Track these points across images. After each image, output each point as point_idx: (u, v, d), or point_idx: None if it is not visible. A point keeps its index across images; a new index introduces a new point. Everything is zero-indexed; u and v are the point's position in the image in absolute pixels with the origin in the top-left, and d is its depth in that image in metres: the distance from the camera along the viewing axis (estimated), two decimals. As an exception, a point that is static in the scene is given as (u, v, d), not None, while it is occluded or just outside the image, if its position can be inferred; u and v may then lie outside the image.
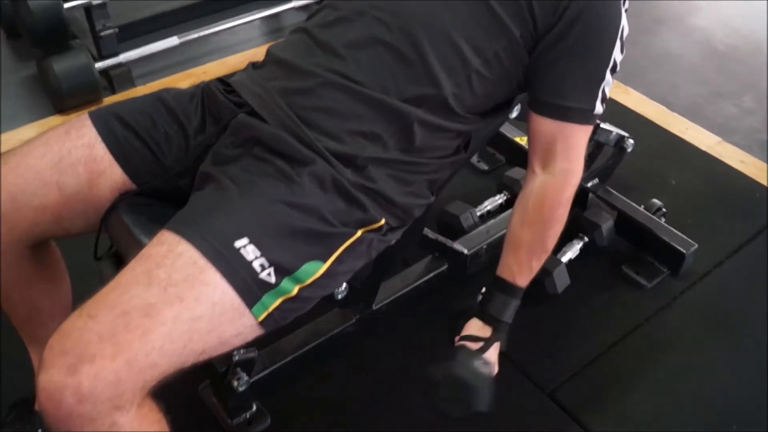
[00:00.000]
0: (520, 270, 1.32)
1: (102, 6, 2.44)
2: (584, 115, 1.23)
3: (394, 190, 1.17)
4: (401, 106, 1.16)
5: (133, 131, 1.19)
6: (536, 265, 1.33)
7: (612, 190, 2.03)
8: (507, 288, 1.32)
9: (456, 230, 1.90)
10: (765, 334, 1.78)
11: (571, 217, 1.91)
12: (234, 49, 2.82)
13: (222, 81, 1.27)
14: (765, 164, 2.35)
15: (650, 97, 2.67)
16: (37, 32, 2.26)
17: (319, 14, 1.29)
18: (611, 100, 2.57)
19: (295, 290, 1.04)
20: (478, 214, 1.97)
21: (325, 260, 1.07)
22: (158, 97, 1.25)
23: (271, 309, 1.02)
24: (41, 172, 1.14)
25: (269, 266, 1.00)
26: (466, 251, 1.79)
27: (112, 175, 1.17)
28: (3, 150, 2.15)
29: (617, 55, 1.23)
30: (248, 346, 1.23)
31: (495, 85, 1.23)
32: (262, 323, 1.03)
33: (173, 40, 2.60)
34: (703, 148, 2.41)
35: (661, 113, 2.58)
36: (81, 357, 0.87)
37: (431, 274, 1.76)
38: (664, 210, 2.02)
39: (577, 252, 1.90)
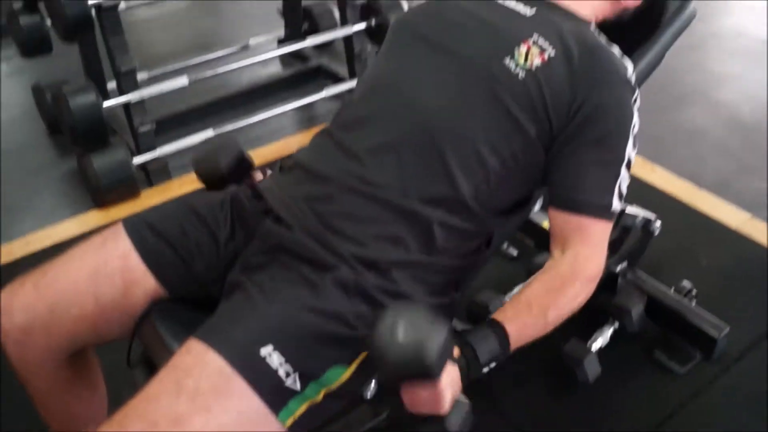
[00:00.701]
0: (514, 318, 1.21)
1: (140, 103, 2.55)
2: (602, 211, 1.24)
3: (417, 291, 1.20)
4: (421, 208, 1.20)
5: (165, 240, 1.24)
6: (529, 328, 1.22)
7: (641, 273, 2.03)
8: (495, 327, 1.20)
9: (485, 319, 1.91)
10: (803, 418, 1.75)
11: (601, 302, 1.95)
12: (267, 139, 2.90)
13: (250, 186, 1.32)
14: (795, 241, 2.34)
15: (677, 173, 2.68)
16: (78, 131, 2.36)
17: (343, 113, 1.35)
18: (637, 179, 2.61)
19: (321, 395, 1.07)
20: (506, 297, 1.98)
21: (349, 364, 1.10)
22: (189, 204, 1.30)
23: (297, 415, 1.05)
24: (79, 284, 1.20)
25: (294, 372, 1.03)
26: (493, 339, 1.80)
27: (145, 284, 1.23)
28: (44, 244, 2.26)
29: (630, 151, 1.26)
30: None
31: (513, 184, 1.26)
32: (289, 429, 1.05)
33: (208, 133, 2.69)
34: (733, 226, 2.40)
35: (689, 191, 2.58)
36: None
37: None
38: (694, 292, 2.01)
39: (608, 339, 1.89)
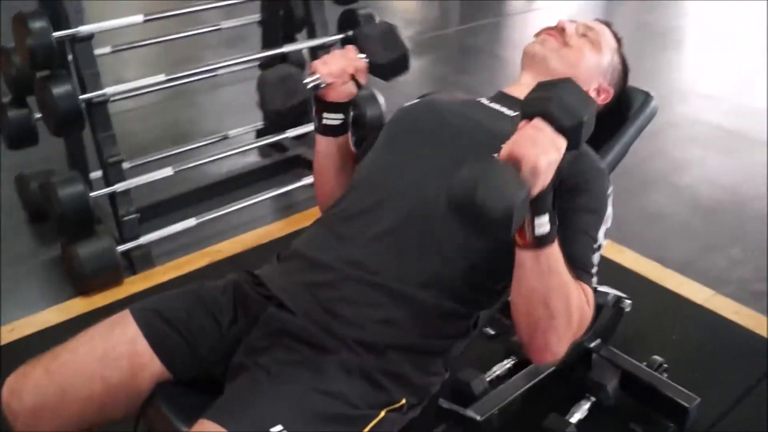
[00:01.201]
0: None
1: (125, 193, 2.62)
2: (587, 277, 1.29)
3: (412, 371, 1.27)
4: (416, 293, 1.28)
5: (171, 325, 1.31)
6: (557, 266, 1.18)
7: (615, 350, 2.12)
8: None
9: (467, 397, 1.97)
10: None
11: (577, 378, 2.03)
12: (247, 226, 2.97)
13: (251, 274, 1.40)
14: (759, 314, 2.45)
15: (644, 255, 2.80)
16: (65, 220, 2.41)
17: (338, 206, 1.43)
18: (607, 260, 2.72)
19: None
20: (488, 379, 2.05)
21: None
22: (193, 291, 1.38)
23: None
24: (88, 367, 1.26)
25: None
26: (478, 417, 1.86)
27: (152, 367, 1.28)
28: (28, 332, 2.27)
29: (602, 239, 1.35)
30: None
31: (502, 265, 1.35)
32: None
33: (191, 222, 2.77)
34: (699, 301, 2.52)
35: (656, 270, 2.71)
36: None
37: (446, 443, 1.83)
38: (665, 366, 2.11)
39: (586, 412, 1.97)
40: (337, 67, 1.44)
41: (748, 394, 2.12)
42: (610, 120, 1.66)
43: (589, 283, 1.31)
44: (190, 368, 1.31)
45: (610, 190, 1.37)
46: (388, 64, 1.51)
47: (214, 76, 3.30)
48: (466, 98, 1.56)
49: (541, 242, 1.12)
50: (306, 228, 1.48)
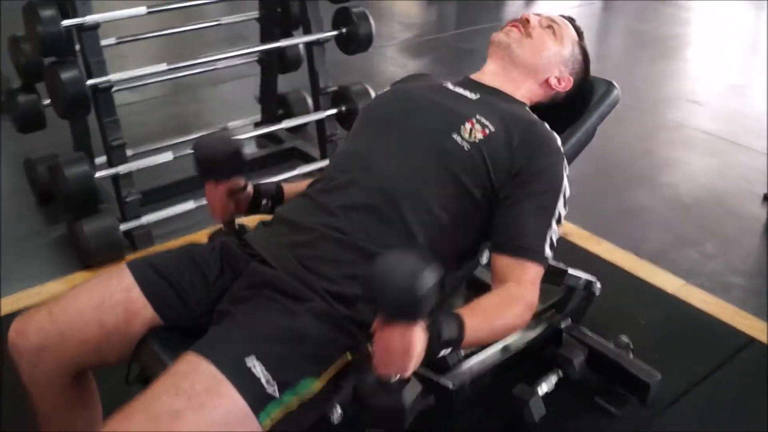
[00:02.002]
0: (472, 317, 1.34)
1: (128, 175, 2.76)
2: (535, 255, 1.47)
3: (378, 321, 1.41)
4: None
5: (164, 278, 1.45)
6: (481, 333, 1.38)
7: (584, 329, 2.25)
8: (456, 315, 1.32)
9: (442, 368, 2.10)
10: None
11: (547, 355, 2.15)
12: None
13: (237, 237, 1.55)
14: (727, 304, 2.58)
15: (621, 246, 2.93)
16: (71, 198, 2.56)
17: (319, 183, 1.59)
18: (585, 250, 2.86)
19: (295, 403, 1.26)
20: (463, 353, 2.17)
21: (319, 377, 1.30)
22: (185, 249, 1.53)
23: (274, 419, 1.23)
24: (86, 312, 1.40)
25: (273, 381, 1.23)
26: (450, 385, 1.99)
27: (145, 314, 1.43)
28: (34, 301, 2.42)
29: (561, 209, 1.50)
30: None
31: (461, 236, 1.50)
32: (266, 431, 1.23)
33: (189, 204, 2.91)
34: (669, 290, 2.65)
35: (630, 260, 2.83)
36: None
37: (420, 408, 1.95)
38: (631, 346, 2.23)
39: (553, 385, 2.09)
40: (219, 208, 1.64)
41: (710, 376, 2.24)
42: (573, 106, 1.80)
43: (541, 262, 1.48)
44: (180, 316, 1.45)
45: (563, 164, 1.51)
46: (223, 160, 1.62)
47: (214, 69, 3.46)
48: (433, 83, 1.71)
49: (454, 350, 1.37)
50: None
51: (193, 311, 1.45)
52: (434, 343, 1.24)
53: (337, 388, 1.34)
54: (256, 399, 1.21)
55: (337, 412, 1.51)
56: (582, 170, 3.57)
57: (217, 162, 1.58)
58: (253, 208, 1.71)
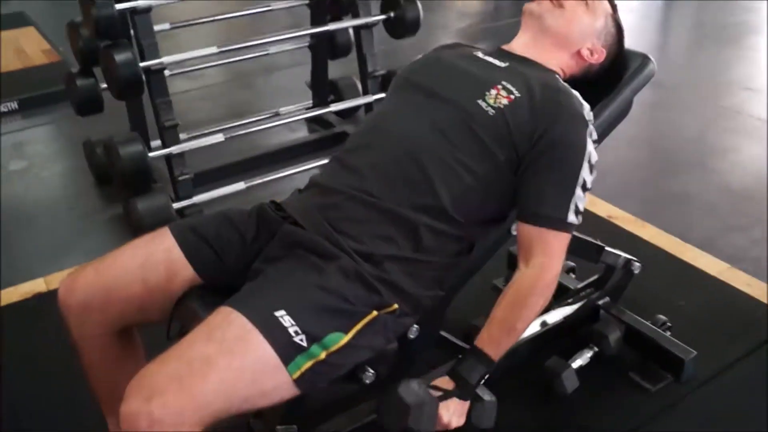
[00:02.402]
0: (490, 341, 1.53)
1: (180, 156, 2.87)
2: (558, 223, 1.50)
3: (405, 281, 1.47)
4: (410, 214, 1.48)
5: (203, 239, 1.53)
6: (505, 342, 1.54)
7: (621, 307, 2.26)
8: (477, 353, 1.53)
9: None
10: (760, 439, 1.94)
11: (584, 331, 2.18)
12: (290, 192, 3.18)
13: (273, 202, 1.62)
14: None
15: (666, 231, 2.92)
16: (126, 176, 2.68)
17: (349, 142, 1.66)
18: (629, 233, 2.86)
19: (323, 355, 1.32)
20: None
21: (346, 332, 1.36)
22: (223, 213, 1.61)
23: (303, 369, 1.30)
24: (130, 270, 1.48)
25: (302, 333, 1.29)
26: (486, 356, 2.03)
27: (185, 273, 1.51)
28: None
29: (587, 175, 1.52)
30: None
31: (486, 198, 1.53)
32: (296, 381, 1.30)
33: (240, 185, 3.00)
34: (713, 273, 2.63)
35: (675, 244, 2.82)
36: (153, 391, 1.17)
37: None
38: (669, 324, 2.24)
39: (588, 360, 2.11)
40: None
41: (747, 356, 2.22)
42: (608, 79, 1.82)
43: (564, 229, 1.52)
44: (218, 275, 1.52)
45: (588, 131, 1.53)
46: None
47: (266, 54, 3.55)
48: (464, 51, 1.76)
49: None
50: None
51: (230, 270, 1.53)
52: (466, 391, 1.53)
53: (364, 339, 1.40)
54: (285, 349, 1.28)
55: (369, 373, 1.57)
56: (631, 155, 3.60)
57: None
58: None
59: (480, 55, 1.71)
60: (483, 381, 1.55)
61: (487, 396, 1.57)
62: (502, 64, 1.64)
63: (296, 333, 1.29)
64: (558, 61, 1.71)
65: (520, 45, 1.71)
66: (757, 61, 5.15)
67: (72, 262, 2.74)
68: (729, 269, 2.67)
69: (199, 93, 4.35)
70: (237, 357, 1.24)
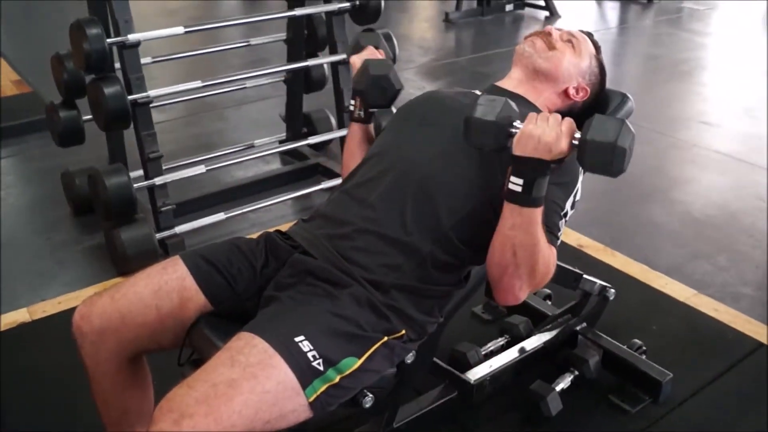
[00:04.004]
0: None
1: (163, 186, 2.91)
2: (552, 238, 1.55)
3: (411, 308, 1.54)
4: (417, 244, 1.55)
5: (214, 267, 1.58)
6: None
7: (599, 332, 2.36)
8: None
9: (464, 365, 2.22)
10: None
11: (563, 356, 2.26)
12: (272, 223, 3.25)
13: (280, 231, 1.68)
14: (737, 312, 2.68)
15: (635, 259, 3.04)
16: (110, 205, 2.71)
17: (354, 178, 1.72)
18: (600, 261, 2.97)
19: (337, 379, 1.38)
20: (483, 353, 2.29)
21: (359, 357, 1.42)
22: (232, 242, 1.67)
23: (319, 392, 1.35)
24: (144, 298, 1.53)
25: (319, 357, 1.35)
26: (472, 380, 2.11)
27: (197, 300, 1.56)
28: (74, 304, 2.56)
29: (569, 207, 1.61)
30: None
31: (486, 225, 1.61)
32: (311, 404, 1.35)
33: (220, 216, 3.06)
34: (681, 299, 2.76)
35: (644, 271, 2.94)
36: (182, 414, 1.22)
37: (443, 400, 2.07)
38: (644, 348, 2.34)
39: (569, 383, 2.20)
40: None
41: (719, 378, 2.33)
42: (590, 116, 1.91)
43: (553, 243, 1.58)
44: (229, 302, 1.58)
45: (578, 167, 1.62)
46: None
47: (242, 88, 3.62)
48: (462, 90, 1.84)
49: (511, 198, 1.44)
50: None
51: (240, 297, 1.58)
52: None
53: (374, 363, 1.46)
54: (303, 372, 1.33)
55: (369, 398, 1.63)
56: (596, 186, 3.70)
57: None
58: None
59: (476, 92, 1.81)
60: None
61: None
62: None
63: (314, 357, 1.35)
64: (546, 99, 1.81)
65: (513, 82, 1.81)
66: (710, 96, 5.38)
67: (53, 292, 2.78)
68: (696, 295, 2.79)
69: (171, 125, 4.39)
70: (260, 381, 1.29)
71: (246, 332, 1.37)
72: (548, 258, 1.52)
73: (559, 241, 1.60)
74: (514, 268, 1.47)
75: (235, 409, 1.25)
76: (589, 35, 1.90)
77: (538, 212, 1.46)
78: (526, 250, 1.47)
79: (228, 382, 1.27)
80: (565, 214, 1.61)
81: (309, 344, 1.35)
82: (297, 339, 1.35)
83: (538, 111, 1.75)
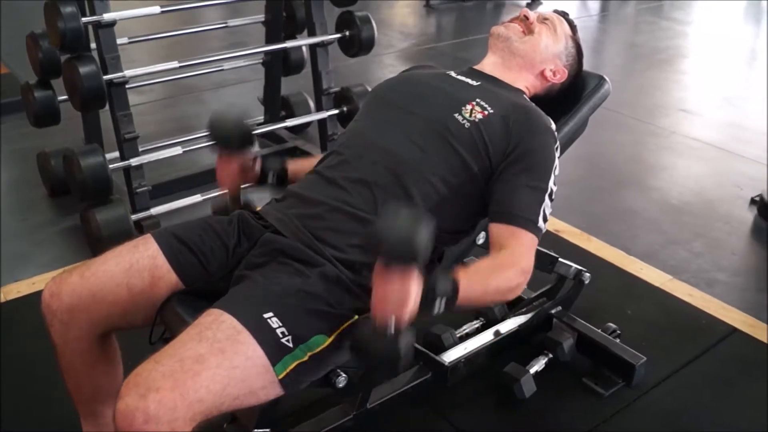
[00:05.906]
0: (465, 277, 1.41)
1: (138, 168, 2.88)
2: (530, 224, 1.56)
3: (383, 287, 1.53)
4: None
5: (186, 245, 1.57)
6: (474, 293, 1.43)
7: (574, 316, 2.37)
8: (450, 274, 1.40)
9: (438, 347, 2.22)
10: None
11: (538, 339, 2.27)
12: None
13: (252, 211, 1.68)
14: (711, 297, 2.70)
15: (611, 245, 3.06)
16: (86, 186, 2.68)
17: (327, 159, 1.71)
18: (575, 246, 2.98)
19: (307, 356, 1.38)
20: (458, 335, 2.30)
21: (329, 335, 1.42)
22: (205, 221, 1.66)
23: (288, 370, 1.35)
24: (115, 276, 1.52)
25: (288, 334, 1.35)
26: (446, 362, 2.11)
27: (168, 279, 1.55)
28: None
29: (552, 186, 1.62)
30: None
31: (460, 208, 1.62)
32: (281, 381, 1.35)
33: (197, 197, 3.03)
34: (656, 284, 2.77)
35: (620, 257, 2.96)
36: (149, 388, 1.21)
37: (417, 382, 2.07)
38: (618, 332, 2.36)
39: (543, 366, 2.21)
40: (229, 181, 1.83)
41: (693, 362, 2.35)
42: (567, 98, 1.93)
43: (534, 231, 1.58)
44: (200, 281, 1.57)
45: (556, 145, 1.63)
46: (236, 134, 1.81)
47: (220, 70, 3.59)
48: (437, 71, 1.85)
49: (449, 307, 1.37)
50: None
51: (212, 275, 1.57)
52: (429, 294, 1.32)
53: (345, 342, 1.45)
54: (273, 350, 1.33)
55: (342, 378, 1.63)
56: (574, 172, 3.74)
57: (229, 136, 1.76)
58: (260, 181, 1.85)
59: (453, 74, 1.80)
60: (438, 307, 1.37)
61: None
62: (475, 83, 1.74)
63: (283, 334, 1.34)
64: (524, 81, 1.81)
65: (489, 65, 1.81)
66: (690, 84, 5.40)
67: (28, 273, 2.75)
68: (671, 280, 2.81)
69: (149, 107, 4.36)
70: (228, 356, 1.28)
71: (215, 308, 1.36)
72: (514, 269, 1.51)
73: (545, 225, 1.60)
74: (490, 301, 1.56)
75: (203, 384, 1.24)
76: (565, 15, 1.90)
77: (464, 288, 1.39)
78: (486, 296, 1.52)
79: (195, 357, 1.26)
80: (551, 194, 1.60)
81: (278, 321, 1.35)
82: (266, 315, 1.35)
83: (516, 92, 1.76)
